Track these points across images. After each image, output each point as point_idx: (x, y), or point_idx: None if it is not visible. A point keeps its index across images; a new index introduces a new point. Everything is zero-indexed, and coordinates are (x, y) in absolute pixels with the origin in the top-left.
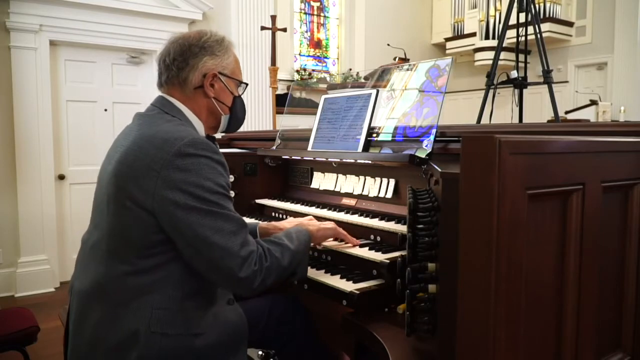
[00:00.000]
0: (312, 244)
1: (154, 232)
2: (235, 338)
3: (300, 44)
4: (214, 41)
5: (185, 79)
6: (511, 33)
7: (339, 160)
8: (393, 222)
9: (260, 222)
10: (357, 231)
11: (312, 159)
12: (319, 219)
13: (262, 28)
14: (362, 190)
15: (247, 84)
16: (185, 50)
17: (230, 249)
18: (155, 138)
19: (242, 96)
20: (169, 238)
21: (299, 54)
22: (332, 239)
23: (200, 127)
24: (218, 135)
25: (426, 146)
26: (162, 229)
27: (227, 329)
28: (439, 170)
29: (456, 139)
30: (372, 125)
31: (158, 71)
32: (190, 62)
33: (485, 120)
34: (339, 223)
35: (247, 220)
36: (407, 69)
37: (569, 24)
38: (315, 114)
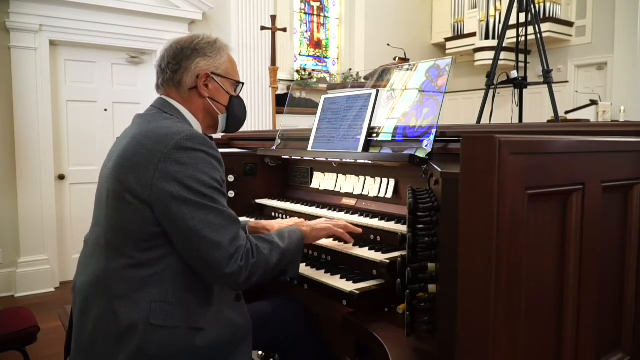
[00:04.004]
0: (305, 243)
1: (151, 224)
2: (238, 337)
3: (300, 44)
4: (205, 43)
5: (179, 81)
6: (511, 33)
7: (339, 160)
8: (393, 222)
9: (250, 220)
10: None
11: (312, 159)
12: (316, 218)
13: (262, 28)
14: (362, 190)
15: (243, 84)
16: (178, 53)
17: (220, 244)
18: (154, 133)
19: (240, 95)
20: (166, 231)
21: (299, 54)
22: (331, 238)
23: (197, 127)
24: (217, 136)
25: (426, 146)
26: (159, 221)
27: (229, 327)
28: (439, 170)
29: (456, 139)
30: (372, 125)
31: (156, 75)
32: (183, 65)
33: (485, 120)
34: None
35: (242, 219)
36: (407, 69)
37: (569, 24)
38: (315, 114)
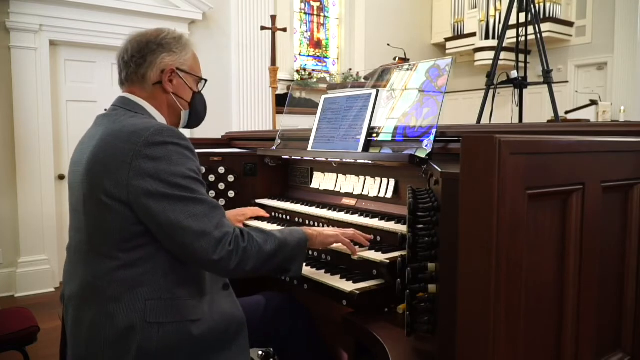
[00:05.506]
0: (312, 247)
1: (132, 223)
2: (233, 326)
3: (300, 44)
4: (171, 38)
5: (144, 75)
6: (511, 33)
7: (339, 160)
8: (393, 222)
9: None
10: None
11: (312, 159)
12: (319, 219)
13: (262, 28)
14: (362, 190)
15: (206, 80)
16: (143, 47)
17: (204, 231)
18: (122, 132)
19: (202, 92)
20: (149, 228)
21: (299, 54)
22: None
23: (163, 123)
24: (218, 135)
25: (426, 146)
26: (140, 220)
27: (223, 317)
28: (439, 170)
29: (456, 139)
30: (372, 125)
31: (118, 69)
32: (148, 59)
33: (485, 120)
34: (338, 223)
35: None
36: (407, 69)
37: (569, 24)
38: (315, 114)
